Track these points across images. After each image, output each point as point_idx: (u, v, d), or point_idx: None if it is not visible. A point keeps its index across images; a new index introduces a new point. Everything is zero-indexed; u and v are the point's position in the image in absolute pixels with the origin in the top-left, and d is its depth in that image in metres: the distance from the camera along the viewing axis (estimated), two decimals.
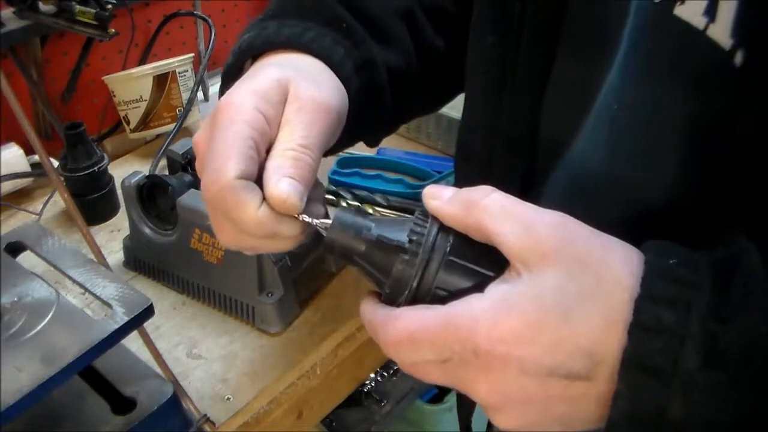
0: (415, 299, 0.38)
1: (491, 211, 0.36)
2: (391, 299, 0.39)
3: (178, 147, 0.84)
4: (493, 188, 0.38)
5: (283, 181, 0.40)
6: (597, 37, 0.45)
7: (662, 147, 0.42)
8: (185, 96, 1.04)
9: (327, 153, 0.48)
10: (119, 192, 0.90)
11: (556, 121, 0.49)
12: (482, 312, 0.35)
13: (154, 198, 0.80)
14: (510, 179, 0.53)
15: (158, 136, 1.07)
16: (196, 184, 0.79)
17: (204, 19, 1.08)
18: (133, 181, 0.79)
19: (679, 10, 0.38)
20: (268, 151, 0.42)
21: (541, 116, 0.50)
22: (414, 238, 0.38)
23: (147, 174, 0.79)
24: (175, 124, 1.00)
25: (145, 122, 1.03)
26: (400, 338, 0.37)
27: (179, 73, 1.03)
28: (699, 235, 0.39)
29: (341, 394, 0.84)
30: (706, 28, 0.37)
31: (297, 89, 0.44)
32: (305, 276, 0.78)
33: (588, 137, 0.46)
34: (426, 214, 0.39)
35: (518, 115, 0.51)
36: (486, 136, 0.54)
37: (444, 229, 0.38)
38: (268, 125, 0.42)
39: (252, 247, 0.45)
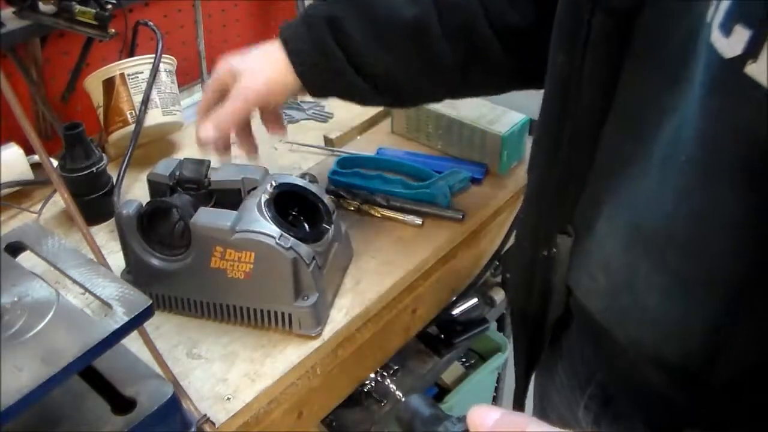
0: None
1: None
2: None
3: (162, 169, 0.79)
4: (527, 420, 0.40)
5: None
6: (660, 71, 0.44)
7: (722, 205, 0.40)
8: (140, 98, 0.99)
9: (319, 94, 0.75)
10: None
11: (615, 146, 0.50)
12: None
13: (153, 223, 0.75)
14: (563, 202, 0.55)
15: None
16: (196, 203, 0.76)
17: (153, 30, 1.03)
18: (131, 210, 0.73)
19: (751, 69, 0.36)
20: None
21: (600, 142, 0.50)
22: None
23: (148, 201, 0.76)
24: (126, 128, 0.98)
25: (106, 127, 1.01)
26: None
27: (129, 75, 0.99)
28: (762, 302, 0.40)
29: (341, 394, 0.84)
30: None
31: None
32: (329, 275, 0.77)
33: (655, 183, 0.46)
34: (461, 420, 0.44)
35: (577, 136, 0.52)
36: (548, 153, 0.55)
37: None
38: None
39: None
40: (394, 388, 0.51)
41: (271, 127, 0.79)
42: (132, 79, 1.00)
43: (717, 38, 0.38)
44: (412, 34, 0.69)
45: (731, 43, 0.37)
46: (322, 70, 0.71)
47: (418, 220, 0.89)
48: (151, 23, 1.05)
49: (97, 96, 1.01)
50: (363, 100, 0.77)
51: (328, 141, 1.07)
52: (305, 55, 0.70)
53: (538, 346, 0.69)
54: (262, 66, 0.72)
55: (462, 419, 0.43)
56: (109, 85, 0.99)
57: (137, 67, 1.00)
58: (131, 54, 1.12)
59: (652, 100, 0.45)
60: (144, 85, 1.00)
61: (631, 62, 0.47)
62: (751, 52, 0.36)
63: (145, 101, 0.99)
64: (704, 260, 0.43)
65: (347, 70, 0.70)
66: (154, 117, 1.01)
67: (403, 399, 0.49)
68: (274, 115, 0.78)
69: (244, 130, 0.77)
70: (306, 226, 0.78)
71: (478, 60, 0.71)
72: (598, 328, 0.55)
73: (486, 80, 0.75)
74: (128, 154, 0.94)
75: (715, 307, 0.43)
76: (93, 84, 1.01)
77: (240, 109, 0.71)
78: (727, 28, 0.37)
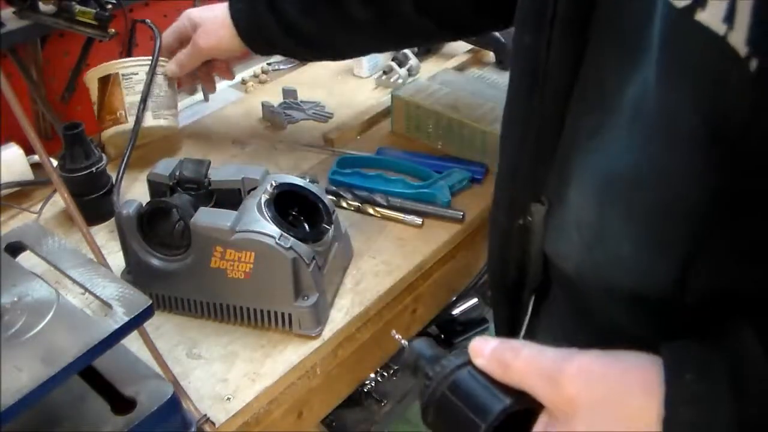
0: (426, 409, 0.48)
1: (522, 370, 0.44)
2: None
3: (162, 169, 0.80)
4: (523, 344, 0.45)
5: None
6: (621, 39, 0.47)
7: (683, 150, 0.43)
8: (133, 99, 0.99)
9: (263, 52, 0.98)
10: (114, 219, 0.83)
11: (581, 120, 0.52)
12: None
13: (153, 223, 0.75)
14: (536, 175, 0.57)
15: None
16: (196, 203, 0.76)
17: (151, 28, 1.03)
18: (131, 210, 0.73)
19: (701, 16, 0.39)
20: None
21: (567, 114, 0.53)
22: (437, 369, 0.47)
23: (148, 201, 0.76)
24: (115, 126, 0.98)
25: (98, 124, 1.01)
26: None
27: (124, 75, 0.99)
28: (722, 236, 0.43)
29: (341, 394, 0.84)
30: (726, 34, 0.38)
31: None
32: (329, 275, 0.77)
33: (623, 139, 0.48)
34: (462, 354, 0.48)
35: (546, 112, 0.54)
36: (519, 131, 0.57)
37: (465, 365, 0.47)
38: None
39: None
40: (399, 336, 0.55)
41: (220, 73, 1.03)
42: (126, 79, 0.99)
43: None
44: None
45: None
46: (258, 33, 0.89)
47: (418, 220, 0.90)
48: (148, 21, 1.04)
49: (94, 92, 1.01)
50: (296, 57, 1.05)
51: (328, 141, 1.07)
52: (243, 21, 0.89)
53: (518, 319, 0.70)
54: (216, 27, 0.91)
55: (464, 352, 0.48)
56: (103, 83, 0.99)
57: (133, 68, 0.99)
58: (129, 52, 1.12)
59: (616, 68, 0.47)
60: (138, 87, 0.99)
61: (596, 35, 0.49)
62: (700, 0, 0.39)
63: (144, 100, 0.98)
64: (668, 203, 0.46)
65: (278, 33, 0.87)
66: (144, 119, 0.99)
67: (406, 345, 0.53)
68: (224, 64, 1.01)
69: (202, 70, 1.01)
70: (306, 226, 0.78)
71: (391, 19, 0.85)
72: (576, 288, 0.58)
73: (402, 36, 0.92)
74: (127, 154, 0.94)
75: (680, 246, 0.46)
76: (91, 80, 1.01)
77: (195, 58, 0.95)
78: None
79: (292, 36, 0.87)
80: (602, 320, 0.57)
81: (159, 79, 1.01)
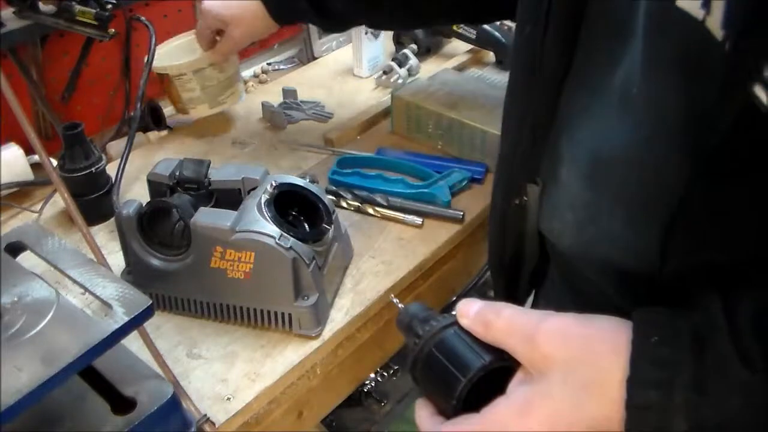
0: (414, 366, 0.50)
1: (502, 329, 0.46)
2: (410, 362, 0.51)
3: (162, 169, 0.80)
4: (504, 305, 0.47)
5: None
6: (610, 27, 0.49)
7: (667, 133, 0.45)
8: (188, 96, 1.07)
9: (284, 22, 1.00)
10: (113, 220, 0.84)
11: (573, 103, 0.54)
12: (510, 415, 0.43)
13: (153, 223, 0.75)
14: (532, 157, 0.59)
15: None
16: (196, 203, 0.76)
17: (146, 25, 1.05)
18: (131, 210, 0.73)
19: (681, 2, 0.40)
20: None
21: (560, 100, 0.55)
22: (426, 329, 0.50)
23: (148, 201, 0.76)
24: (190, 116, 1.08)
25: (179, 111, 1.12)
26: None
27: (174, 77, 1.05)
28: (698, 215, 0.45)
29: (341, 394, 0.84)
30: (704, 19, 0.39)
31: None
32: (329, 275, 0.77)
33: (608, 121, 0.50)
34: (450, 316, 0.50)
35: (543, 98, 0.56)
36: (519, 118, 0.60)
37: (452, 325, 0.49)
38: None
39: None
40: (397, 301, 0.58)
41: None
42: (177, 80, 1.05)
43: None
44: None
45: None
46: (289, 12, 0.95)
47: (418, 220, 0.90)
48: (143, 18, 1.05)
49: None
50: (324, 30, 1.20)
51: (328, 141, 1.07)
52: (275, 3, 0.93)
53: (516, 299, 0.72)
54: (246, 19, 0.97)
55: (452, 314, 0.50)
56: (161, 78, 1.06)
57: (181, 70, 1.04)
58: (127, 52, 1.12)
59: (606, 55, 0.50)
60: (190, 84, 1.05)
61: (587, 23, 0.51)
62: None
63: (141, 97, 1.01)
64: (652, 182, 0.48)
65: (309, 11, 0.92)
66: (202, 112, 1.08)
67: (397, 305, 0.56)
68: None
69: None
70: (306, 226, 0.78)
71: (410, 7, 0.91)
72: (571, 267, 0.60)
73: (417, 20, 1.00)
74: (125, 155, 0.94)
75: (661, 222, 0.48)
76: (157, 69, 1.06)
77: (233, 50, 1.04)
78: None
79: (322, 14, 0.93)
80: (597, 300, 0.58)
81: (208, 71, 1.05)
